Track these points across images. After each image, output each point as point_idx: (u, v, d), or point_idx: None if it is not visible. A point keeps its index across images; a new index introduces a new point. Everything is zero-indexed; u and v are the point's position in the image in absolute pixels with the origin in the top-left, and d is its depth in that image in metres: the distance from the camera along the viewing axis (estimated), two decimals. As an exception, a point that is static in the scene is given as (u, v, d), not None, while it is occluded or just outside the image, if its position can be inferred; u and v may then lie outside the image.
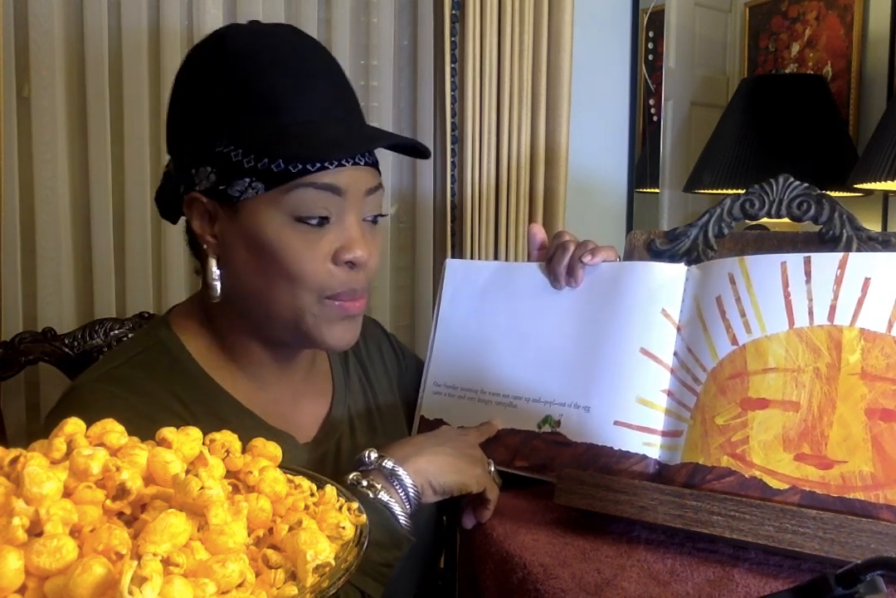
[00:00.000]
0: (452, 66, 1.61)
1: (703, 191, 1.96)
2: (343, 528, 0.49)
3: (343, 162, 0.76)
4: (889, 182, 1.50)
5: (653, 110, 2.03)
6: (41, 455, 0.47)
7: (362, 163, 0.78)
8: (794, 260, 0.76)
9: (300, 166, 0.74)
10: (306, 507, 0.50)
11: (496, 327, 0.92)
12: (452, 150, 1.64)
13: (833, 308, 0.72)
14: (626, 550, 0.72)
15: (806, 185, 0.88)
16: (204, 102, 0.78)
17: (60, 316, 1.43)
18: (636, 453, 0.78)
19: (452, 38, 1.61)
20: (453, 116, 1.63)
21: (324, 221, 0.76)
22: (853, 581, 0.44)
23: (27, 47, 1.39)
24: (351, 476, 0.75)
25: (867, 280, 0.72)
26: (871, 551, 0.64)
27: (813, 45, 2.01)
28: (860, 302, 0.72)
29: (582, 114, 1.74)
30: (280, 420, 0.84)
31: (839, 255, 0.75)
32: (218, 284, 0.79)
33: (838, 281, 0.73)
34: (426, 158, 0.86)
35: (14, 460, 0.46)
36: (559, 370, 0.86)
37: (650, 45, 2.00)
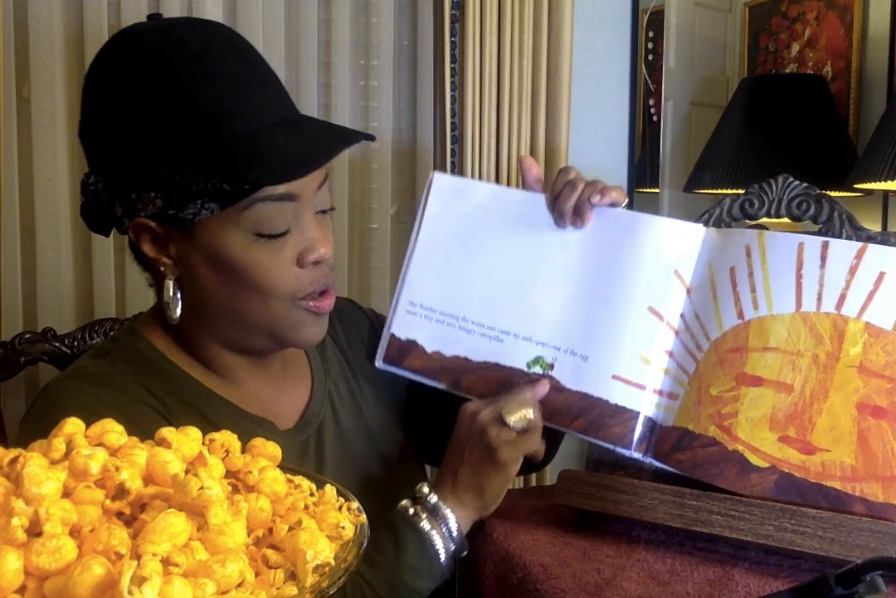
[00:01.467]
0: (452, 66, 1.61)
1: (703, 191, 1.96)
2: (343, 528, 0.49)
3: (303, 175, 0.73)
4: (889, 182, 1.50)
5: (653, 110, 2.03)
6: (40, 455, 0.47)
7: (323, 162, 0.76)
8: (812, 243, 0.74)
9: (253, 185, 0.71)
10: (306, 507, 0.50)
11: (487, 254, 0.87)
12: (452, 150, 1.64)
13: (843, 297, 0.72)
14: (626, 550, 0.72)
15: (805, 185, 0.88)
16: (133, 123, 0.72)
17: (60, 316, 1.43)
18: (631, 410, 0.78)
19: (452, 38, 1.61)
20: (453, 116, 1.63)
21: (287, 233, 0.75)
22: (853, 581, 0.44)
23: (27, 47, 1.40)
24: (402, 503, 0.79)
25: (882, 274, 0.71)
26: (871, 550, 0.64)
27: (813, 45, 2.01)
28: (871, 295, 0.71)
29: (582, 114, 1.74)
30: (258, 409, 0.84)
31: (858, 244, 0.73)
32: (178, 306, 0.78)
33: (853, 271, 0.72)
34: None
35: (14, 460, 0.46)
36: (556, 312, 0.83)
37: (650, 45, 2.00)
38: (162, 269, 0.78)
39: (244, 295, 0.76)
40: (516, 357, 0.84)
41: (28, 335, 1.15)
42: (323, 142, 0.76)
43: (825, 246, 0.73)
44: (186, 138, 0.71)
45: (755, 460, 0.71)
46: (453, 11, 1.60)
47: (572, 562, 0.70)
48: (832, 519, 0.66)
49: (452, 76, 1.62)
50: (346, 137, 0.78)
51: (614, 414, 0.78)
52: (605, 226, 0.83)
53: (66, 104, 1.43)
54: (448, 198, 0.89)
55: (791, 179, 0.88)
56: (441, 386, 0.87)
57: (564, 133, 1.68)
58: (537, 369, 0.83)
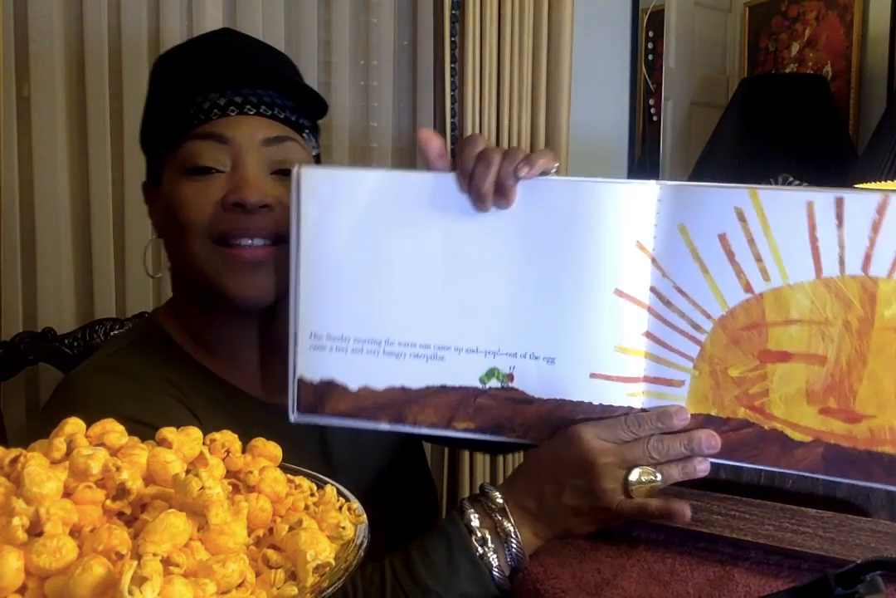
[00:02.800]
0: (452, 66, 1.61)
1: (703, 191, 1.96)
2: (343, 528, 0.49)
3: (228, 112, 0.78)
4: (889, 182, 1.50)
5: (653, 110, 2.03)
6: (41, 455, 0.47)
7: (252, 112, 0.79)
8: (824, 200, 0.65)
9: (186, 123, 0.78)
10: (306, 507, 0.50)
11: (396, 258, 0.72)
12: (452, 150, 1.64)
13: (868, 257, 0.65)
14: (626, 550, 0.72)
15: (805, 184, 0.88)
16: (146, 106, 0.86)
17: (60, 316, 1.43)
18: (620, 406, 0.70)
19: (452, 38, 1.61)
20: (453, 116, 1.63)
21: (213, 170, 0.77)
22: (853, 581, 0.44)
23: (27, 47, 1.40)
24: (468, 513, 0.70)
25: None
26: (871, 549, 0.64)
27: (813, 45, 2.01)
28: None
29: (582, 114, 1.74)
30: (268, 393, 0.84)
31: (877, 196, 0.65)
32: (158, 264, 0.84)
33: (875, 227, 0.65)
34: (322, 111, 0.87)
35: (14, 460, 0.46)
36: (501, 314, 0.71)
37: (650, 45, 2.01)
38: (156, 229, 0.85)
39: (175, 237, 0.79)
40: (465, 374, 0.72)
41: (28, 335, 1.15)
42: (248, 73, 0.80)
43: (840, 203, 0.65)
44: (151, 111, 0.84)
45: (796, 435, 0.67)
46: (453, 11, 1.60)
47: (572, 562, 0.70)
48: (832, 519, 0.66)
49: (452, 76, 1.62)
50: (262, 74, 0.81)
51: (602, 415, 0.71)
52: (539, 201, 0.70)
53: (65, 104, 1.43)
54: (327, 197, 0.72)
55: (791, 179, 0.88)
56: (381, 427, 0.73)
57: (564, 133, 1.68)
58: (494, 383, 0.72)
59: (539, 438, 0.72)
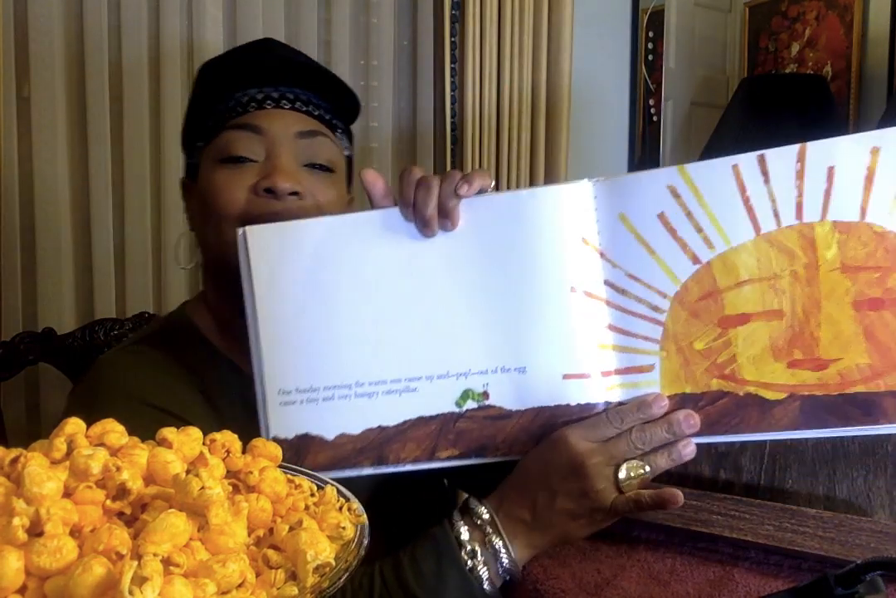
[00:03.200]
0: (452, 66, 1.62)
1: (703, 191, 1.96)
2: (343, 528, 0.49)
3: (264, 105, 0.82)
4: (889, 182, 1.50)
5: (653, 110, 2.03)
6: (41, 455, 0.47)
7: (287, 107, 0.83)
8: (748, 161, 0.68)
9: (224, 115, 0.82)
10: (307, 507, 0.50)
11: (354, 300, 0.72)
12: (452, 150, 1.64)
13: (799, 205, 0.67)
14: (626, 550, 0.72)
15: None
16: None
17: (60, 316, 1.43)
18: (597, 403, 0.70)
19: (452, 39, 1.61)
20: (453, 116, 1.63)
21: (247, 160, 0.80)
22: (853, 581, 0.44)
23: (27, 47, 1.40)
24: (458, 526, 0.70)
25: (831, 169, 0.67)
26: (871, 549, 0.64)
27: (813, 45, 2.01)
28: (827, 193, 0.67)
29: (582, 113, 1.74)
30: None
31: (795, 147, 0.68)
32: (188, 255, 0.86)
33: (800, 175, 0.67)
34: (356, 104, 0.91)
35: (14, 460, 0.46)
36: (464, 334, 0.71)
37: (650, 45, 2.00)
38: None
39: (206, 222, 0.81)
40: (440, 401, 0.71)
41: (28, 335, 1.15)
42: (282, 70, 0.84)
43: (762, 160, 0.68)
44: (193, 100, 0.88)
45: (771, 395, 0.68)
46: (453, 11, 1.60)
47: (572, 562, 0.70)
48: (832, 519, 0.66)
49: (452, 76, 1.62)
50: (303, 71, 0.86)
51: (582, 414, 0.70)
52: (482, 217, 0.71)
53: (65, 103, 1.43)
54: (276, 252, 0.73)
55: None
56: (365, 472, 0.72)
57: (564, 133, 1.68)
58: (470, 404, 0.71)
59: (524, 451, 0.72)
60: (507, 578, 0.68)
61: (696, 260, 0.69)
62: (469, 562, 0.67)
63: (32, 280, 1.44)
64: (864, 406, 0.66)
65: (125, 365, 0.81)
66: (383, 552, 0.71)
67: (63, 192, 1.43)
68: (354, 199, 0.89)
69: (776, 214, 0.68)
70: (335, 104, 0.88)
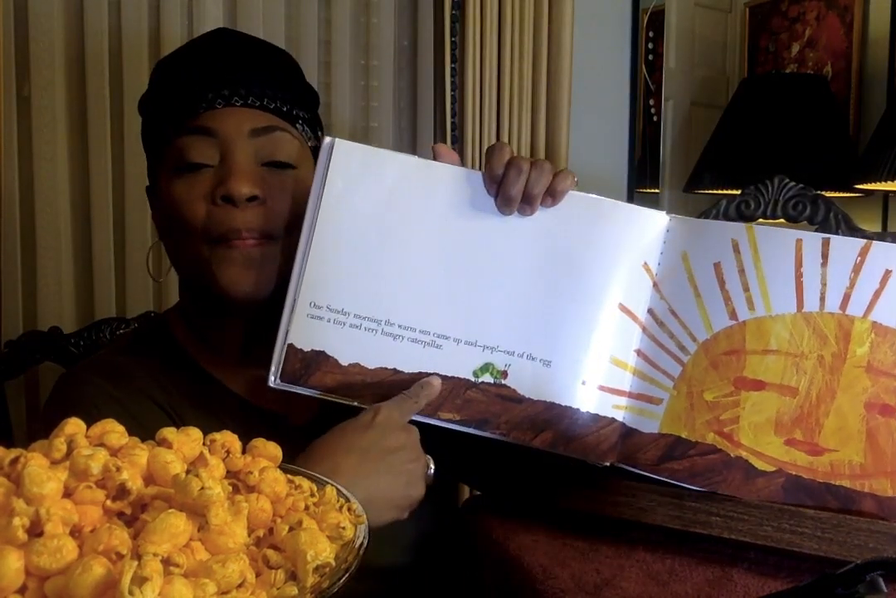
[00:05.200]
0: (452, 66, 1.61)
1: (703, 191, 1.96)
2: (343, 528, 0.49)
3: (215, 105, 0.77)
4: (889, 182, 1.50)
5: (653, 110, 2.03)
6: (41, 455, 0.47)
7: (239, 104, 0.77)
8: (811, 240, 0.71)
9: (175, 119, 0.77)
10: (306, 507, 0.50)
11: (412, 242, 0.73)
12: (452, 150, 1.64)
13: (847, 296, 0.70)
14: (625, 550, 0.72)
15: (801, 185, 0.88)
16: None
17: (61, 316, 1.43)
18: (605, 417, 0.73)
19: (452, 38, 1.61)
20: (453, 116, 1.63)
21: (202, 166, 0.76)
22: (853, 581, 0.44)
23: (27, 47, 1.40)
24: None
25: (888, 272, 0.69)
26: (870, 550, 0.64)
27: (813, 46, 2.01)
28: (877, 294, 0.69)
29: (582, 114, 1.74)
30: (271, 401, 0.81)
31: (861, 241, 0.70)
32: (160, 268, 0.84)
33: (857, 269, 0.70)
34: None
35: (14, 461, 0.46)
36: (506, 312, 0.73)
37: (650, 45, 2.00)
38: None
39: (174, 237, 0.79)
40: (460, 365, 0.72)
41: (34, 335, 1.15)
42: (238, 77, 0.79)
43: (826, 243, 0.70)
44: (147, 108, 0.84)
45: (760, 464, 0.70)
46: (453, 11, 1.60)
47: (571, 562, 0.70)
48: (831, 520, 0.66)
49: (452, 76, 1.62)
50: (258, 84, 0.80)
51: (587, 423, 0.72)
52: (559, 211, 0.73)
53: (66, 103, 1.43)
54: (355, 172, 0.72)
55: (787, 179, 0.88)
56: (363, 406, 0.72)
57: (564, 133, 1.68)
58: (487, 378, 0.73)
59: (521, 438, 0.73)
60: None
61: (733, 316, 0.72)
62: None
63: (32, 280, 1.44)
64: (843, 500, 0.68)
65: (83, 381, 0.79)
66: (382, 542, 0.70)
67: (63, 192, 1.43)
68: (296, 167, 0.81)
69: (822, 298, 0.70)
70: (295, 94, 0.83)
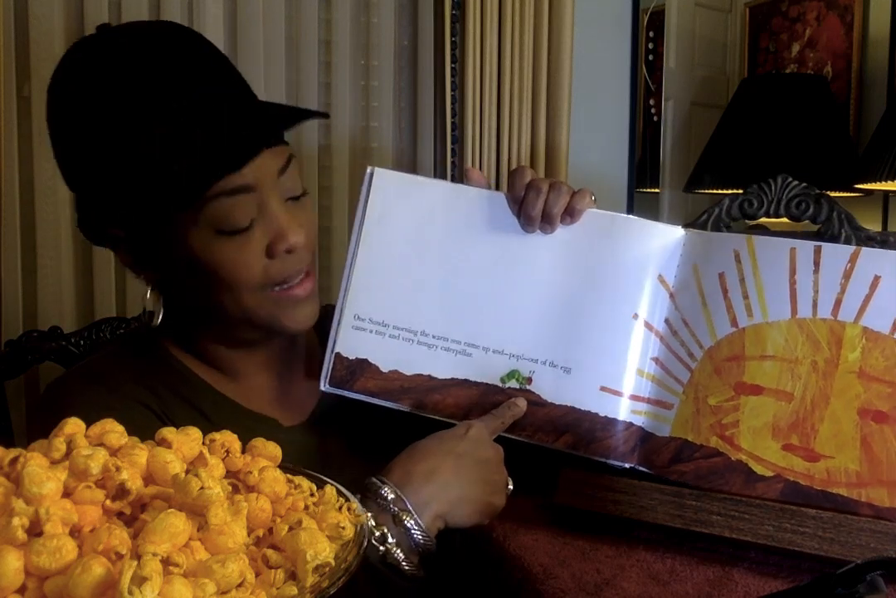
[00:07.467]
0: (452, 66, 1.62)
1: (703, 191, 1.96)
2: (343, 528, 0.49)
3: (250, 157, 0.71)
4: (889, 182, 1.50)
5: (653, 110, 2.03)
6: (41, 455, 0.47)
7: (265, 148, 0.72)
8: (804, 248, 0.73)
9: (204, 181, 0.69)
10: (306, 507, 0.50)
11: (444, 259, 0.79)
12: (452, 150, 1.64)
13: (838, 302, 0.71)
14: (625, 550, 0.72)
15: (804, 184, 0.88)
16: (83, 145, 0.75)
17: (61, 316, 1.43)
18: (623, 421, 0.76)
19: (452, 38, 1.61)
20: (453, 116, 1.63)
21: (249, 227, 0.73)
22: (853, 581, 0.44)
23: (27, 47, 1.40)
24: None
25: (877, 278, 0.70)
26: (871, 550, 0.64)
27: (813, 46, 2.01)
28: (867, 299, 0.70)
29: (582, 114, 1.74)
30: (263, 405, 0.83)
31: (851, 248, 0.72)
32: (160, 314, 0.79)
33: (847, 275, 0.71)
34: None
35: (14, 460, 0.46)
36: (530, 322, 0.78)
37: (650, 45, 2.01)
38: (141, 277, 0.80)
39: (215, 291, 0.75)
40: (488, 372, 0.79)
41: (36, 334, 1.15)
42: (256, 126, 0.73)
43: (818, 251, 0.72)
44: (123, 155, 0.72)
45: (759, 469, 0.71)
46: (453, 11, 1.60)
47: (572, 562, 0.70)
48: (832, 519, 0.66)
49: (452, 76, 1.62)
50: (285, 117, 0.76)
51: (605, 427, 0.76)
52: (580, 227, 0.79)
53: (66, 104, 1.43)
54: (393, 196, 0.80)
55: (790, 178, 0.88)
56: (403, 408, 0.80)
57: (564, 133, 1.68)
58: (513, 384, 0.78)
59: (545, 440, 0.78)
60: (421, 551, 0.67)
61: (734, 323, 0.74)
62: (381, 548, 0.65)
63: (33, 280, 1.44)
64: (841, 508, 0.68)
65: (73, 388, 0.79)
66: None
67: (63, 192, 1.43)
68: (308, 192, 0.80)
69: (815, 304, 0.72)
70: (272, 105, 0.79)
